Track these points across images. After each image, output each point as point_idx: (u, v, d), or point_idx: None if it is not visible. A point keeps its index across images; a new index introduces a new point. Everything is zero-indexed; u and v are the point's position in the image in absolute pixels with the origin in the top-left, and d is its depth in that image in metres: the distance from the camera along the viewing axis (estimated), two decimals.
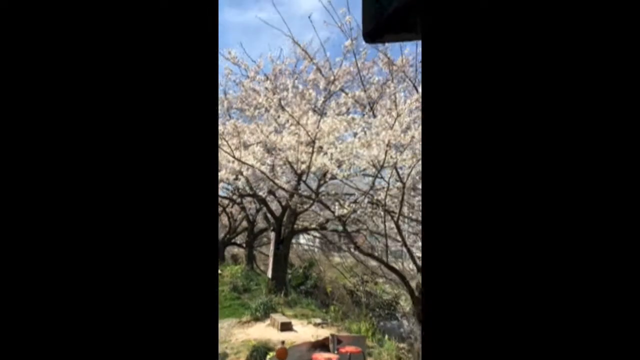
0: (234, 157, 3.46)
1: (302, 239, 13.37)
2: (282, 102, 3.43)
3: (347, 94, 3.36)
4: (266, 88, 4.58)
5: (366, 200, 6.45)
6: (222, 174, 6.06)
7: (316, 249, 12.68)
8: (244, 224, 12.70)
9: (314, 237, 12.19)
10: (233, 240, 13.11)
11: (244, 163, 3.49)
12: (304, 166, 3.46)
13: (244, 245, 11.84)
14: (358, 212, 4.03)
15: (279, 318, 5.16)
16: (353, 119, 3.02)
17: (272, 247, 7.82)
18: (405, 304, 8.54)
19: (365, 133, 3.19)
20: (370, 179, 7.21)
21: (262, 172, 3.57)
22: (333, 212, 3.88)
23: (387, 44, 3.95)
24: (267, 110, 4.27)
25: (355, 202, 7.86)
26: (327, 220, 7.77)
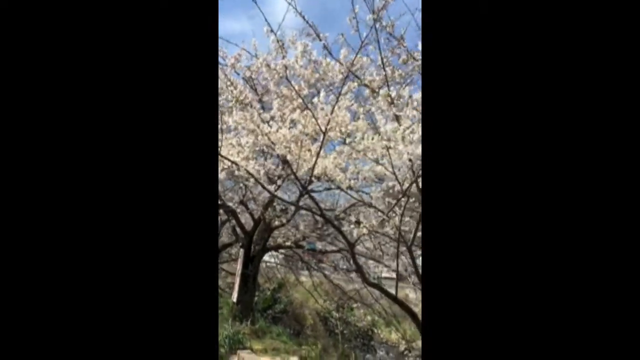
0: None
1: (266, 255, 12.17)
2: (288, 74, 2.52)
3: (362, 80, 2.53)
4: (249, 78, 3.65)
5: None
6: None
7: (280, 267, 11.55)
8: None
9: (280, 253, 11.09)
10: None
11: (226, 159, 2.53)
12: (305, 167, 2.57)
13: None
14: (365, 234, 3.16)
15: (248, 358, 4.10)
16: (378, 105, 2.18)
17: (239, 266, 6.71)
18: (384, 333, 7.70)
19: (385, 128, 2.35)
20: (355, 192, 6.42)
21: (250, 174, 2.62)
22: (343, 233, 2.99)
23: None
24: (254, 104, 3.32)
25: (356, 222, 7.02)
26: (304, 237, 6.83)
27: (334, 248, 7.43)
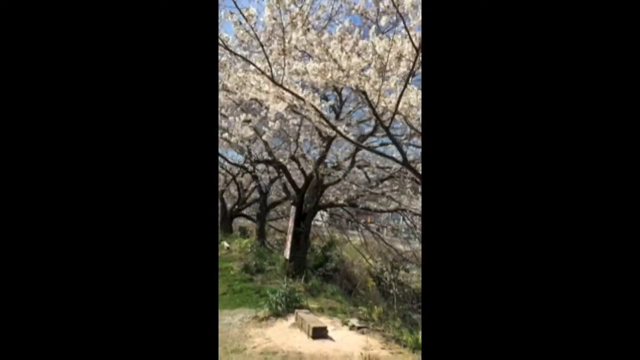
0: (272, 79, 1.96)
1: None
2: None
3: None
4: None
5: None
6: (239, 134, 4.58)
7: (328, 226, 11.34)
8: (254, 194, 11.37)
9: (327, 212, 10.80)
10: (242, 212, 11.76)
11: (288, 91, 2.03)
12: (386, 102, 2.00)
13: (255, 217, 10.48)
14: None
15: (307, 318, 3.85)
16: None
17: (290, 223, 6.46)
18: None
19: None
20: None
21: (315, 108, 2.11)
22: None
23: None
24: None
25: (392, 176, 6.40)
26: (358, 196, 6.37)
27: (388, 208, 6.94)
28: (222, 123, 5.34)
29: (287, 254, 6.37)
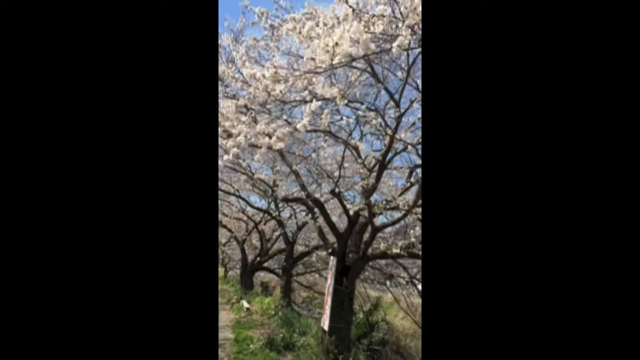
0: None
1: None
2: None
3: None
4: None
5: None
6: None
7: (369, 282, 9.42)
8: (278, 244, 9.81)
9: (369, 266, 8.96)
10: (263, 265, 10.09)
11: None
12: None
13: (281, 271, 8.80)
14: None
15: None
16: None
17: (330, 280, 4.81)
18: None
19: None
20: None
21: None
22: None
23: None
24: None
25: None
26: (413, 245, 4.73)
27: None
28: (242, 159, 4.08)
29: (325, 323, 4.62)
